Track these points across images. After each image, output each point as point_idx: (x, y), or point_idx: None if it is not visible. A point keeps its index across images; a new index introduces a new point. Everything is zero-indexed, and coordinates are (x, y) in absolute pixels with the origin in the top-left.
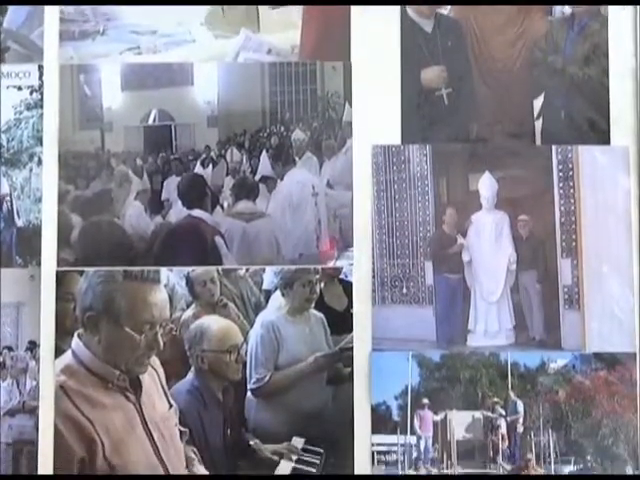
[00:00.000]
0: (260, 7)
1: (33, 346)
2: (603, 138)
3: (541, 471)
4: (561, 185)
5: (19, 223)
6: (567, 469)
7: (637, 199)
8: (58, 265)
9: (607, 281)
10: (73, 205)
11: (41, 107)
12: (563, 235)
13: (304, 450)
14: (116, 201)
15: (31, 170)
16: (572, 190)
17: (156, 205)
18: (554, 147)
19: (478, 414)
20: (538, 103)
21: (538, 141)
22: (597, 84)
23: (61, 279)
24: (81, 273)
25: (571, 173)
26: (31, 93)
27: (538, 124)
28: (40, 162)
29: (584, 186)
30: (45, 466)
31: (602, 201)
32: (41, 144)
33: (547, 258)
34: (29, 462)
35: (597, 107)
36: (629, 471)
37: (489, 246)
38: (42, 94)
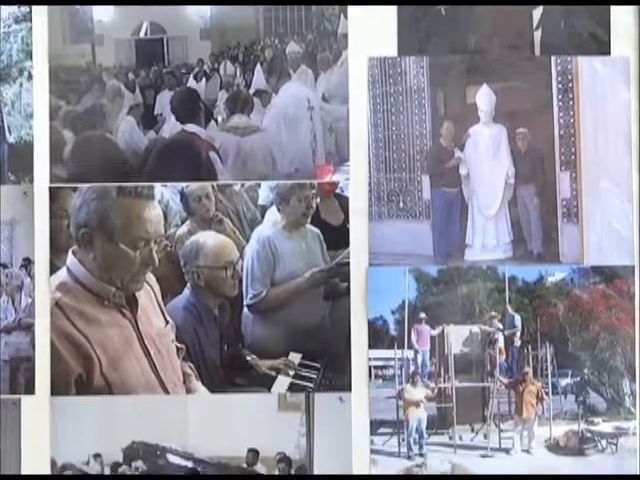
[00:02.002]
0: None
1: (28, 263)
2: (603, 48)
3: (538, 384)
4: (560, 97)
5: (10, 139)
6: (564, 382)
7: (637, 110)
8: (51, 181)
9: (606, 194)
10: (65, 121)
11: (30, 20)
12: (562, 148)
13: (301, 365)
14: (108, 116)
15: (21, 85)
16: (571, 102)
17: (149, 120)
18: (553, 58)
19: (475, 328)
20: (537, 13)
21: (537, 52)
22: None
23: (54, 196)
24: (75, 189)
25: (570, 85)
26: (19, 6)
27: (537, 35)
28: (30, 77)
29: (583, 98)
30: (42, 383)
31: (602, 113)
32: (31, 58)
33: (546, 171)
34: (27, 379)
35: (597, 17)
36: (625, 384)
37: (487, 160)
38: (31, 7)
